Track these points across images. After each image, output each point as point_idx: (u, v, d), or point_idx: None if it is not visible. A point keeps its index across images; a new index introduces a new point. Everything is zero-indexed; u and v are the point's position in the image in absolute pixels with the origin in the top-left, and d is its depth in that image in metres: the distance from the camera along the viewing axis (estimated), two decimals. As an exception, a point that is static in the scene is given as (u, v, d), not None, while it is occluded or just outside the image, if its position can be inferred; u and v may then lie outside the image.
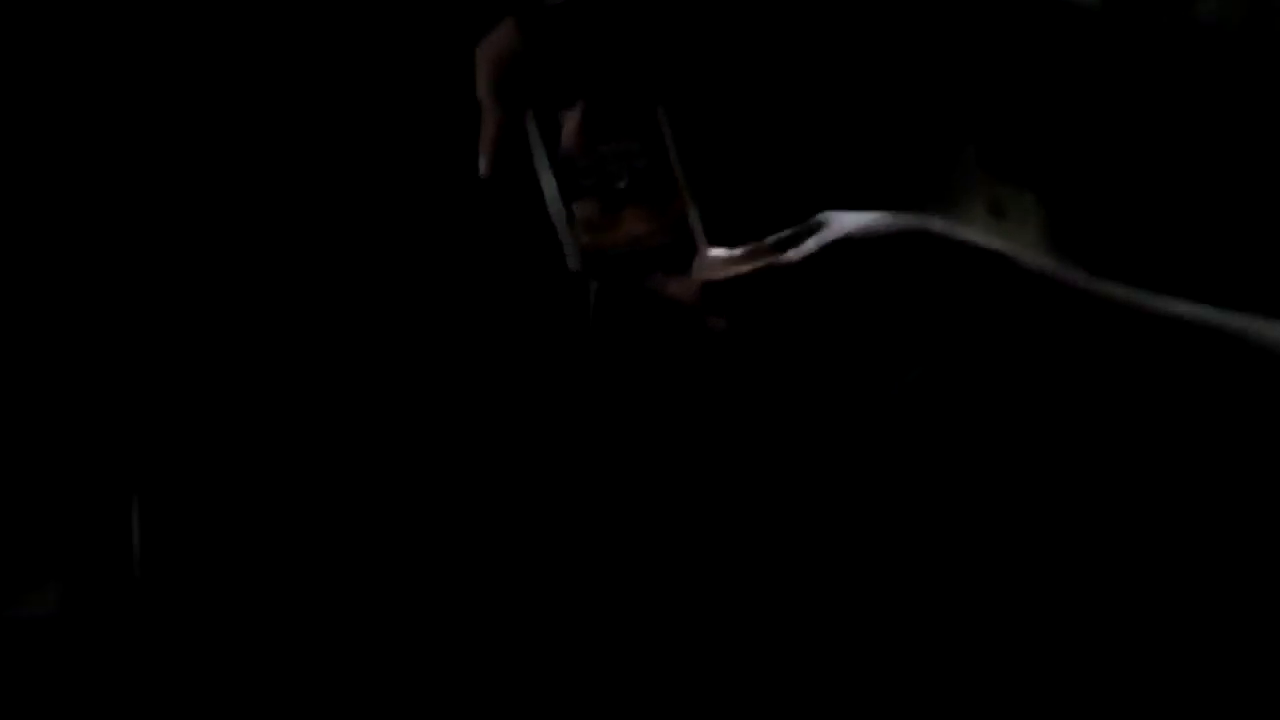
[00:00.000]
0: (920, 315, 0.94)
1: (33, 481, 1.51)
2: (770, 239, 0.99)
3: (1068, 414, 1.03)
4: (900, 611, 1.16)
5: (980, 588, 1.13)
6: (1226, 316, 0.92)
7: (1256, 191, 1.10)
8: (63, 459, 1.52)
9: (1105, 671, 1.09)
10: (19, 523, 1.51)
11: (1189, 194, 1.13)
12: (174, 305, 1.53)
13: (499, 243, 1.46)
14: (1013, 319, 0.93)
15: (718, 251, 1.01)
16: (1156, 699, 1.08)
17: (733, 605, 1.27)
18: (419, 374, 1.49)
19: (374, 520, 1.48)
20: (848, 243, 0.94)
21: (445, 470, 1.48)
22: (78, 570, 1.50)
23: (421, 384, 1.49)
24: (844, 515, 1.19)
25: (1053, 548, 1.11)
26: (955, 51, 1.20)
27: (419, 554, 1.47)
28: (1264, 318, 0.93)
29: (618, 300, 1.28)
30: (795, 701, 1.23)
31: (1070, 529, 1.10)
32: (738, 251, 1.00)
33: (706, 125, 1.21)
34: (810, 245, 0.95)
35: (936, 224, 0.95)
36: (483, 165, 1.13)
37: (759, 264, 0.96)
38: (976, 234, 0.97)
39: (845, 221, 0.95)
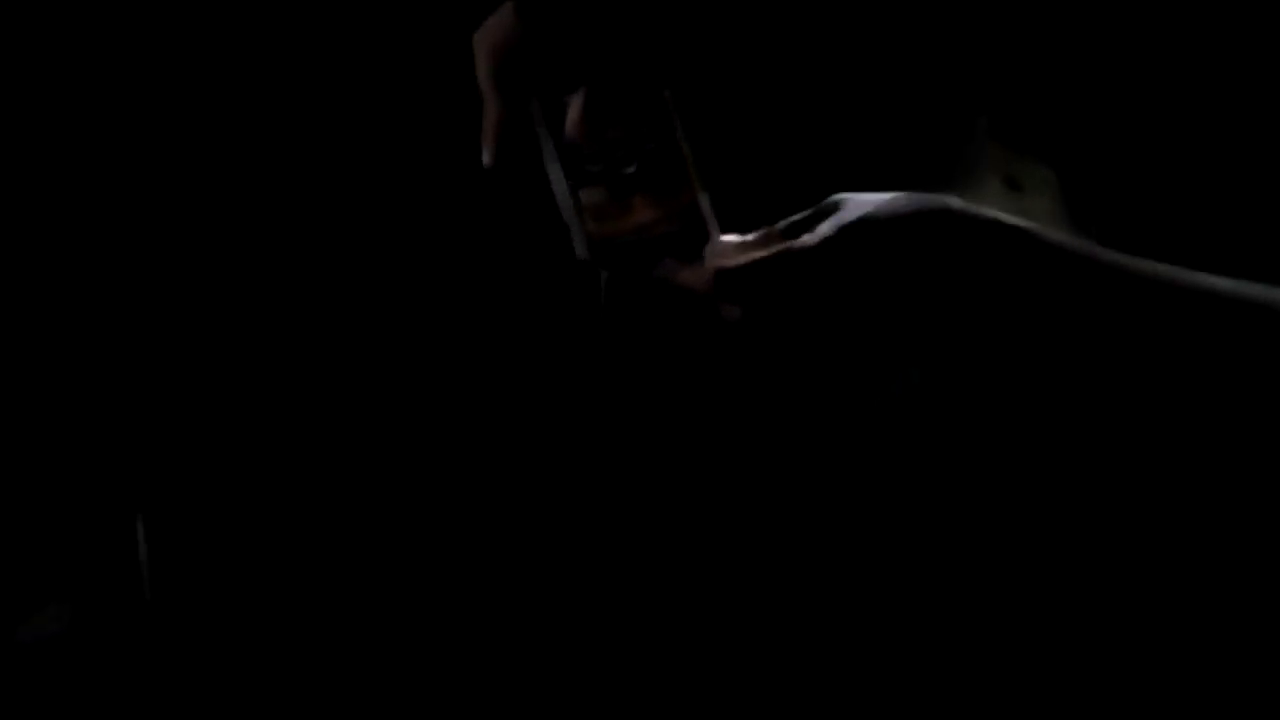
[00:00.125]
0: (939, 297, 0.92)
1: (39, 501, 1.51)
2: (783, 223, 0.97)
3: (1090, 395, 1.01)
4: (917, 601, 1.15)
5: (1003, 575, 1.12)
6: (1258, 289, 0.90)
7: (1273, 161, 1.09)
8: (68, 479, 1.51)
9: (1108, 670, 1.08)
10: (26, 543, 1.50)
11: (1205, 163, 1.11)
12: (177, 326, 1.51)
13: (506, 233, 1.44)
14: (1040, 297, 0.90)
15: (730, 237, 0.99)
16: (1161, 699, 1.06)
17: (742, 598, 1.26)
18: (428, 373, 1.48)
19: (384, 536, 1.47)
20: (865, 225, 0.92)
21: (454, 470, 1.46)
22: (85, 590, 1.49)
23: (431, 383, 1.48)
24: (862, 506, 1.17)
25: (1074, 534, 1.10)
26: (964, 22, 1.19)
27: (428, 561, 1.46)
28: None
29: (628, 289, 1.26)
30: (796, 701, 1.21)
31: (1091, 514, 1.09)
32: (750, 237, 0.97)
33: (714, 107, 1.19)
34: (826, 229, 0.92)
35: (955, 202, 0.93)
36: (486, 156, 1.11)
37: (774, 250, 0.93)
38: (997, 211, 0.94)
39: (861, 203, 0.93)
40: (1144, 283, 0.91)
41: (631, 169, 1.05)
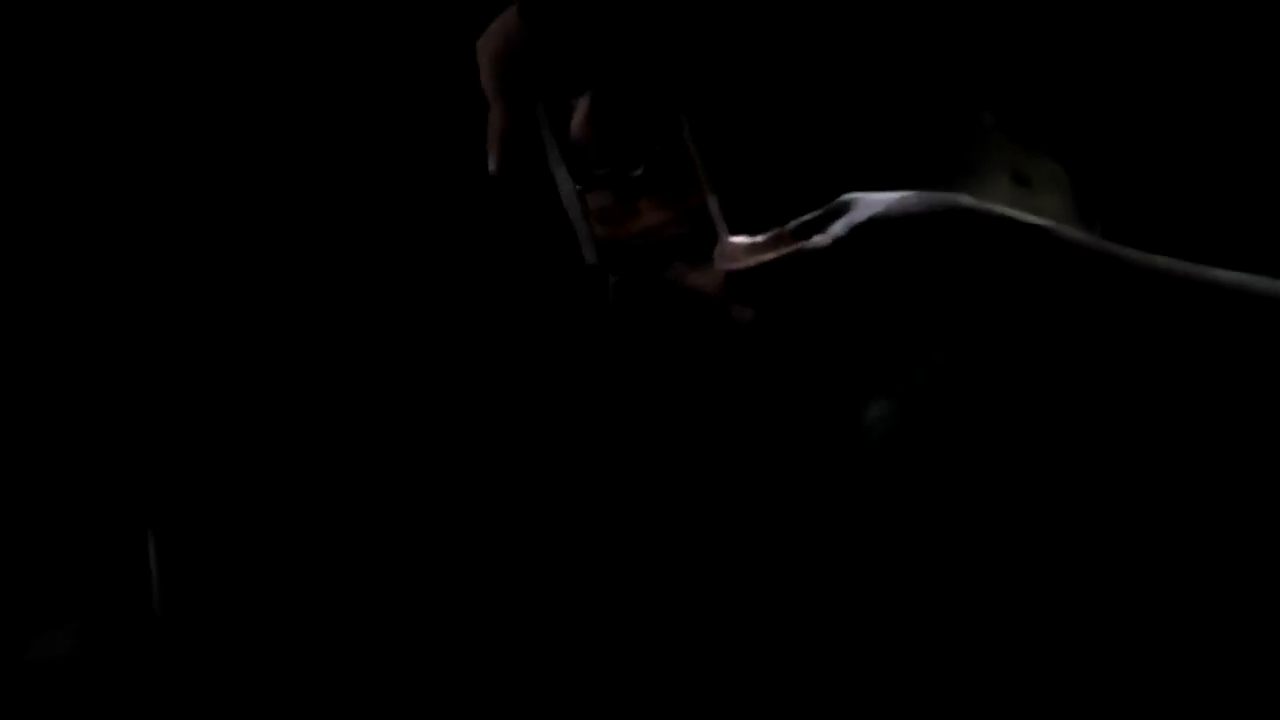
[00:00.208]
0: (952, 296, 0.91)
1: (48, 519, 1.50)
2: (793, 224, 0.96)
3: (1105, 391, 1.00)
4: (931, 601, 1.15)
5: (1012, 573, 1.11)
6: (1273, 284, 0.89)
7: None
8: (78, 497, 1.50)
9: (1114, 669, 1.08)
10: (35, 561, 1.50)
11: (1213, 157, 1.11)
12: (184, 345, 1.51)
13: (514, 239, 1.43)
14: (1054, 294, 0.90)
15: (739, 239, 0.98)
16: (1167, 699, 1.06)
17: (756, 597, 1.26)
18: (440, 382, 1.48)
19: (397, 550, 1.46)
20: (878, 225, 0.91)
21: (467, 480, 1.46)
22: (95, 609, 1.48)
23: (443, 392, 1.47)
24: (869, 507, 1.17)
25: (1084, 532, 1.09)
26: (971, 17, 1.18)
27: (442, 576, 1.45)
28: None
29: (637, 293, 1.25)
30: (802, 700, 1.21)
31: (1109, 507, 1.08)
32: (760, 238, 0.97)
33: (721, 108, 1.19)
34: (838, 229, 0.92)
35: (966, 200, 0.92)
36: (492, 162, 1.11)
37: (785, 251, 0.93)
38: (1008, 208, 0.93)
39: (873, 202, 0.92)
40: (1158, 279, 0.90)
41: (639, 172, 1.04)
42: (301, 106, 1.50)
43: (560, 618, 1.41)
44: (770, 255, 0.93)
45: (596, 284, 1.27)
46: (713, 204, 1.02)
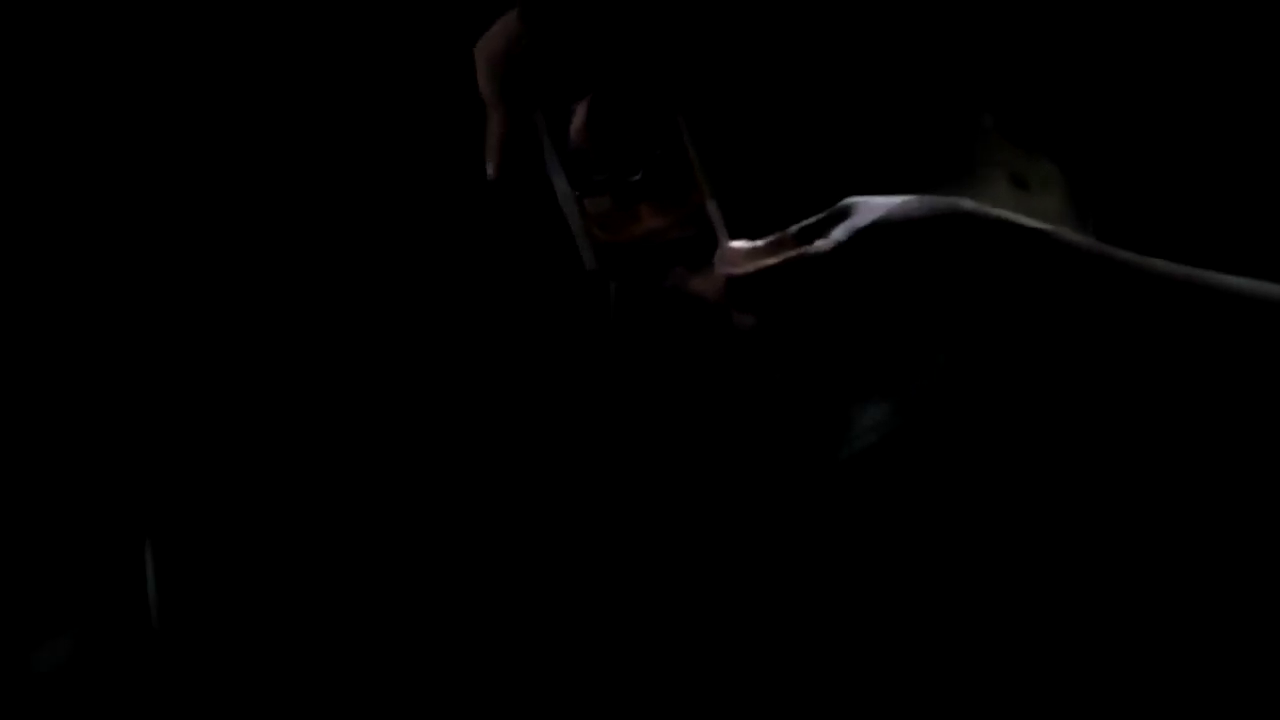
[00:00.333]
0: (952, 300, 0.91)
1: (44, 530, 1.50)
2: (794, 228, 0.96)
3: (1106, 394, 1.00)
4: (928, 607, 1.15)
5: (1007, 577, 1.11)
6: (1274, 288, 0.89)
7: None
8: (75, 509, 1.50)
9: (1113, 670, 1.08)
10: (31, 572, 1.49)
11: (1210, 159, 1.11)
12: (182, 356, 1.51)
13: (513, 245, 1.43)
14: (1055, 298, 0.90)
15: (739, 244, 0.97)
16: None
17: (759, 602, 1.26)
18: (440, 390, 1.47)
19: (398, 561, 1.46)
20: (880, 229, 0.91)
21: (469, 489, 1.46)
22: (91, 621, 1.48)
23: (443, 400, 1.47)
24: (870, 511, 1.17)
25: (1083, 537, 1.09)
26: (968, 19, 1.18)
27: (443, 585, 1.45)
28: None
29: (638, 298, 1.25)
30: (801, 704, 1.21)
31: (1112, 511, 1.08)
32: (761, 243, 0.96)
33: (720, 112, 1.18)
34: (840, 234, 0.91)
35: (967, 204, 0.92)
36: (490, 167, 1.10)
37: (787, 256, 0.92)
38: (1009, 212, 0.93)
39: (874, 207, 0.92)
40: (1156, 281, 0.90)
41: (638, 176, 1.04)
42: (300, 112, 1.50)
43: (562, 623, 1.41)
44: (771, 260, 0.93)
45: (596, 289, 1.27)
46: (712, 208, 1.02)
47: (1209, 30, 1.10)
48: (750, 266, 0.94)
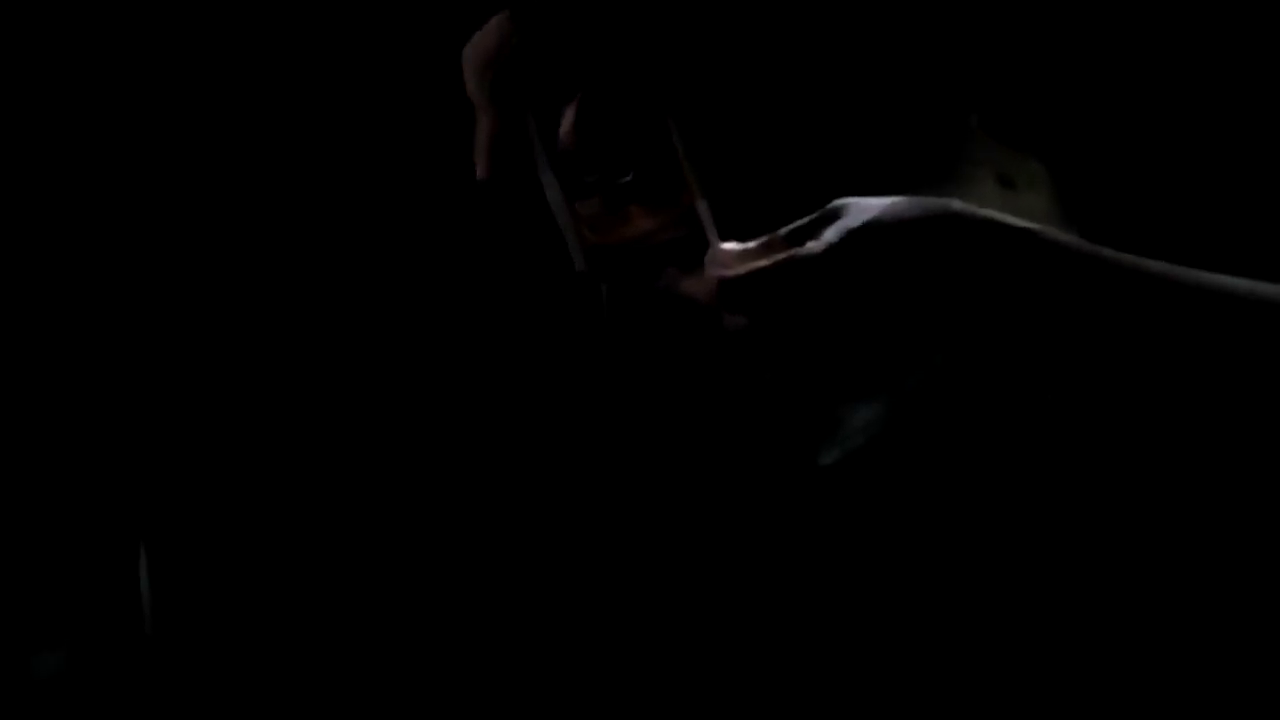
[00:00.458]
0: (943, 300, 0.91)
1: (36, 535, 1.49)
2: (784, 230, 0.96)
3: (1094, 397, 1.00)
4: (917, 610, 1.15)
5: (998, 581, 1.12)
6: (1268, 287, 0.90)
7: (1268, 156, 1.09)
8: (68, 515, 1.50)
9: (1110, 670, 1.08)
10: (22, 578, 1.49)
11: (1197, 158, 1.11)
12: (177, 360, 1.50)
13: (503, 247, 1.43)
14: (1046, 298, 0.90)
15: (730, 245, 0.98)
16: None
17: (752, 604, 1.26)
18: (430, 393, 1.47)
19: (396, 567, 1.46)
20: (871, 230, 0.91)
21: (463, 493, 1.46)
22: (85, 631, 1.47)
23: (434, 403, 1.47)
24: (862, 512, 1.17)
25: (1075, 539, 1.09)
26: (954, 18, 1.18)
27: (440, 589, 1.45)
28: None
29: (630, 300, 1.25)
30: (798, 707, 1.21)
31: (1094, 519, 1.08)
32: (752, 244, 0.96)
33: (709, 113, 1.19)
34: (830, 235, 0.92)
35: (957, 205, 0.92)
36: (480, 169, 1.10)
37: (778, 257, 0.93)
38: (997, 212, 0.94)
39: (865, 208, 0.92)
40: (1147, 280, 0.91)
41: (628, 178, 1.04)
42: (291, 113, 1.50)
43: (556, 626, 1.41)
44: (763, 262, 0.93)
45: (587, 291, 1.27)
46: (703, 209, 1.02)
47: (1196, 28, 1.11)
48: (741, 268, 0.94)
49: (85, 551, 1.49)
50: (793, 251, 0.92)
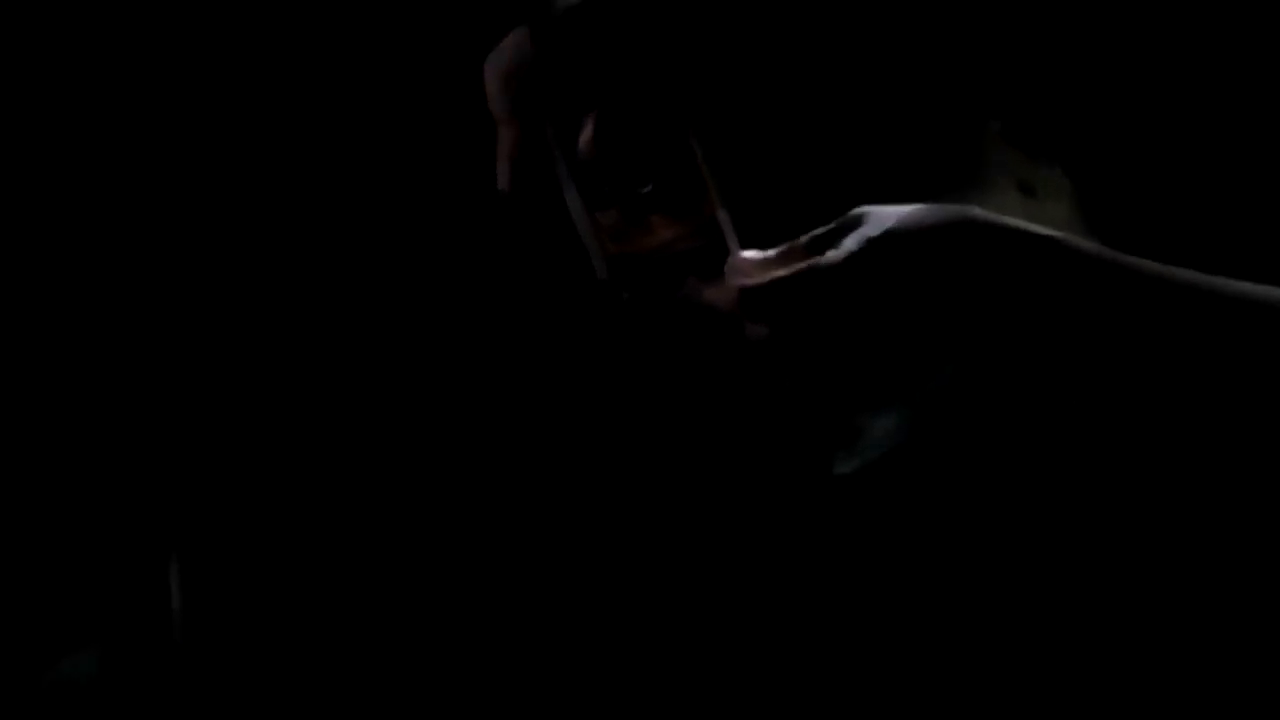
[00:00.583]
0: (964, 308, 0.91)
1: (69, 543, 1.50)
2: (805, 238, 0.96)
3: (1115, 404, 1.00)
4: (935, 618, 1.15)
5: (1017, 591, 1.11)
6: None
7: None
8: (100, 520, 1.50)
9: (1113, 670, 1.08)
10: (54, 585, 1.49)
11: (1217, 166, 1.11)
12: (207, 370, 1.51)
13: (525, 258, 1.43)
14: (1068, 305, 0.90)
15: (751, 253, 0.98)
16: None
17: (763, 616, 1.26)
18: (452, 403, 1.47)
19: (423, 574, 1.46)
20: (892, 238, 0.91)
21: (485, 502, 1.46)
22: (116, 635, 1.48)
23: (456, 413, 1.47)
24: (880, 521, 1.17)
25: (1096, 549, 1.09)
26: (975, 25, 1.18)
27: (466, 598, 1.45)
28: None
29: (651, 310, 1.25)
30: (815, 712, 1.21)
31: (1115, 529, 1.08)
32: (772, 253, 0.97)
33: (729, 122, 1.19)
34: (851, 243, 0.92)
35: (978, 212, 0.92)
36: (501, 180, 1.11)
37: (799, 266, 0.93)
38: (1019, 219, 0.94)
39: (885, 216, 0.92)
40: (1170, 288, 0.90)
41: (648, 188, 1.04)
42: (312, 128, 1.50)
43: (574, 634, 1.41)
44: (783, 270, 0.93)
45: (608, 301, 1.27)
46: (723, 218, 1.02)
47: (1217, 37, 1.10)
48: (762, 277, 0.94)
49: (117, 557, 1.50)
50: (813, 260, 0.93)
